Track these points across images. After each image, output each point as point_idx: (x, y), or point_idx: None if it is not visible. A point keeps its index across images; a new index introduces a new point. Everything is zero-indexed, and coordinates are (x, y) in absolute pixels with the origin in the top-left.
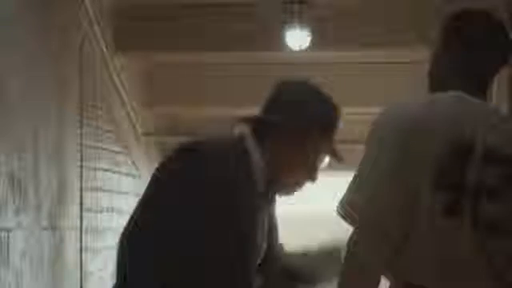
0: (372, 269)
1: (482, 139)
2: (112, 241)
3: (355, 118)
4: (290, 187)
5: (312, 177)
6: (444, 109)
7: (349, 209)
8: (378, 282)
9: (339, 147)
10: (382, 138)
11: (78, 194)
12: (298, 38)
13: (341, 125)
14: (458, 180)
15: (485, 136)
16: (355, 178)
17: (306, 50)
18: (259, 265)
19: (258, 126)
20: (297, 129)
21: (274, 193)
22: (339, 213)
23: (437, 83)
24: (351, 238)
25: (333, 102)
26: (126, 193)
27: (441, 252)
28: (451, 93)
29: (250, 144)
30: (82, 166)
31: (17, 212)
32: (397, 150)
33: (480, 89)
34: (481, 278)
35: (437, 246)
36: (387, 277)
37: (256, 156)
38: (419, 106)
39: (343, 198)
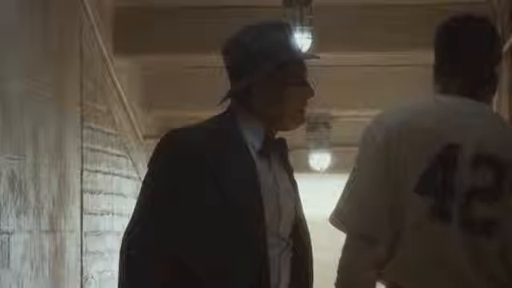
0: (364, 275)
1: (472, 141)
2: (112, 243)
3: (357, 121)
4: (291, 119)
5: (309, 94)
6: (434, 112)
7: (340, 217)
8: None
9: (341, 150)
10: (371, 143)
11: (78, 196)
12: (298, 41)
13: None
14: (446, 182)
15: (475, 138)
16: (347, 184)
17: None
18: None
19: (235, 95)
20: (262, 76)
21: (279, 144)
22: (332, 222)
23: (440, 82)
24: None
25: (270, 25)
26: (127, 195)
27: (430, 253)
28: (446, 96)
29: (236, 113)
30: (82, 169)
31: (17, 215)
32: (385, 154)
33: (478, 88)
34: (470, 279)
35: (425, 247)
36: (379, 279)
37: (246, 122)
38: (410, 110)
39: (336, 207)
